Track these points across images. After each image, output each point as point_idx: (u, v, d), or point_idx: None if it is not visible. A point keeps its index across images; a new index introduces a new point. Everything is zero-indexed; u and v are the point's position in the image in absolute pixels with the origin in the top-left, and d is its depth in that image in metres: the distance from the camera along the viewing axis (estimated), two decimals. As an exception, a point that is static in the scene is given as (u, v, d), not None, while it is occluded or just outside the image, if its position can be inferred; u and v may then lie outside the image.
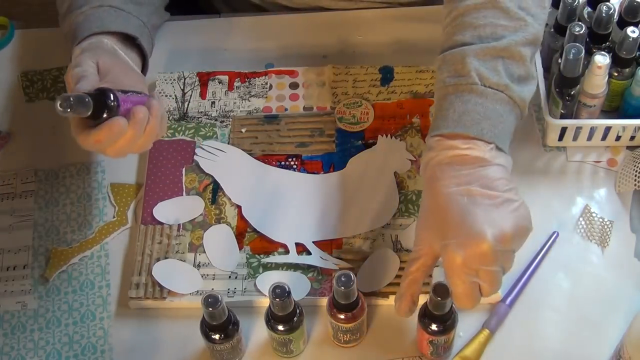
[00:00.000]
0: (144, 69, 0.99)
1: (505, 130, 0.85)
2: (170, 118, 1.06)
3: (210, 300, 0.82)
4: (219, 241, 0.97)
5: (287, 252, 0.96)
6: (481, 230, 0.78)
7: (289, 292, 0.82)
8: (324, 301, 0.90)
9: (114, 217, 1.01)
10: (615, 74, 0.99)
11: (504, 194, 0.80)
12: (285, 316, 0.85)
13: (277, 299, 0.82)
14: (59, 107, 0.77)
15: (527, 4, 0.89)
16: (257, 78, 1.09)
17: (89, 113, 0.79)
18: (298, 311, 0.86)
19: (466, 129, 0.83)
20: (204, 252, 0.96)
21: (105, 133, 0.81)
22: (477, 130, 0.83)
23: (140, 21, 0.98)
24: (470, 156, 0.82)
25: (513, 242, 0.80)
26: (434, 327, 0.84)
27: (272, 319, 0.86)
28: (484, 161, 0.82)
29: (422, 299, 0.87)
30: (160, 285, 0.94)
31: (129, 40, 0.96)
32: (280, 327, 0.85)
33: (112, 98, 0.81)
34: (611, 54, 0.96)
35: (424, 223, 0.84)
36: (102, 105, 0.80)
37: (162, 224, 0.98)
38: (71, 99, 0.77)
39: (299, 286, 0.93)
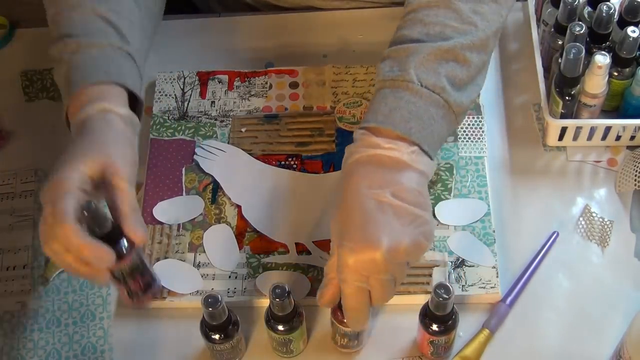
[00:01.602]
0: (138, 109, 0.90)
1: (435, 134, 0.84)
2: (170, 118, 1.06)
3: (210, 300, 0.82)
4: (219, 241, 0.97)
5: (287, 252, 0.96)
6: (377, 240, 0.76)
7: (289, 292, 0.82)
8: (324, 301, 0.90)
9: (114, 217, 1.01)
10: (616, 74, 0.99)
11: (412, 207, 0.79)
12: (285, 316, 0.85)
13: (277, 299, 0.82)
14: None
15: (483, 10, 0.88)
16: (257, 77, 1.09)
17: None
18: (298, 311, 0.86)
19: (394, 126, 0.81)
20: (204, 252, 0.96)
21: (88, 251, 0.78)
22: (405, 129, 0.81)
23: (135, 66, 0.91)
24: (390, 157, 0.81)
25: (407, 257, 0.79)
26: (435, 327, 0.84)
27: (272, 319, 0.86)
28: (402, 164, 0.81)
29: (424, 299, 0.87)
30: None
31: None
32: (280, 327, 0.85)
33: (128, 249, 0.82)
34: (611, 54, 0.96)
35: (333, 217, 0.82)
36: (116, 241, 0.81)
37: (162, 223, 0.98)
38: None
39: (299, 286, 0.93)
